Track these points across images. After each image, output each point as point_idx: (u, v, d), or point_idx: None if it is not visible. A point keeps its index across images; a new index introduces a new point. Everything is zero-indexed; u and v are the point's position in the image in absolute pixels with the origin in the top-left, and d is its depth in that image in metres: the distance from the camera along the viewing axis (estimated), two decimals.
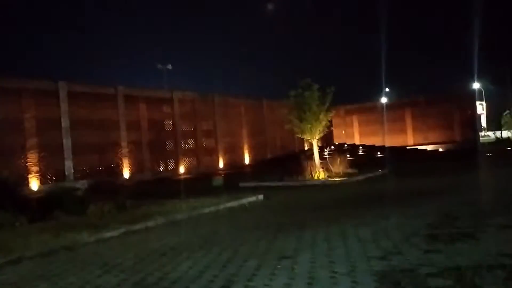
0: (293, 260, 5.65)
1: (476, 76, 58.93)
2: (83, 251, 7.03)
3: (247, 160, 36.26)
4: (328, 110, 18.12)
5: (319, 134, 18.25)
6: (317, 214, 9.21)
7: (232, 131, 35.22)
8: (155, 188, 20.96)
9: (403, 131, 44.55)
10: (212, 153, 33.28)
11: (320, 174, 17.38)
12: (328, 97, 18.03)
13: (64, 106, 23.27)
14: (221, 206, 10.83)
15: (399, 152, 36.15)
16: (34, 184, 20.59)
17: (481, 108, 53.75)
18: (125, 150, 26.16)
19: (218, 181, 18.86)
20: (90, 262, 6.27)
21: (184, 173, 29.88)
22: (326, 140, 45.00)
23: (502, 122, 47.73)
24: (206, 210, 10.30)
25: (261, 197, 12.30)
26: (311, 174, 17.40)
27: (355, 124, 47.50)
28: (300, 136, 18.40)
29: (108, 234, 7.79)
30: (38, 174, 21.06)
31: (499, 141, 44.38)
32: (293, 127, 18.27)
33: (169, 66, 42.33)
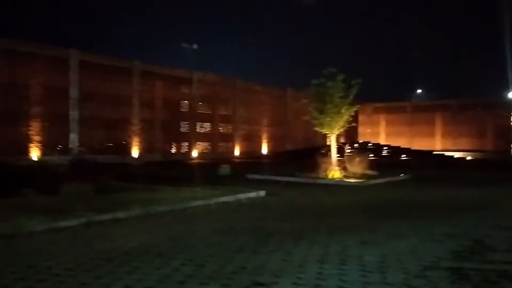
0: None
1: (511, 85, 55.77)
2: (16, 243, 5.81)
3: (265, 151, 34.89)
4: (351, 104, 16.46)
5: (339, 129, 16.64)
6: (319, 222, 7.76)
7: (252, 119, 33.84)
8: (159, 171, 19.85)
9: (431, 134, 42.29)
10: (229, 139, 32.02)
11: (335, 173, 15.83)
12: (353, 90, 16.38)
13: (74, 75, 22.37)
14: (214, 200, 9.49)
15: (425, 156, 34.08)
16: (34, 154, 19.76)
17: None
18: (136, 128, 25.16)
19: (225, 170, 17.57)
20: (7, 261, 5.01)
21: (197, 158, 28.74)
22: (350, 137, 43.17)
23: None
24: (195, 204, 8.98)
25: (262, 193, 10.90)
26: (326, 172, 15.87)
27: (382, 123, 45.44)
28: (318, 129, 16.83)
29: (64, 224, 6.56)
30: (40, 144, 20.23)
31: None
32: (311, 119, 16.71)
33: (195, 46, 40.97)
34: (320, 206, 9.79)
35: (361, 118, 45.53)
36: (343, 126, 16.63)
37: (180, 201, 9.02)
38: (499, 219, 8.40)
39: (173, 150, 28.53)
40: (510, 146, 41.41)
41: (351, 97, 16.36)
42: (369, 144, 39.28)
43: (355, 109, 16.58)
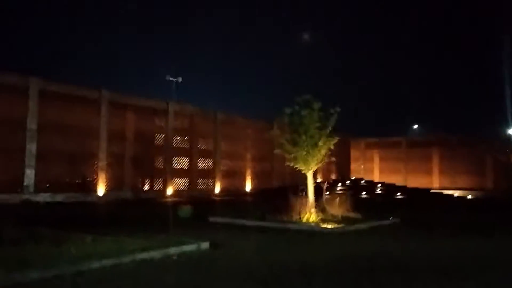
0: None
1: (510, 121, 54.35)
2: None
3: (248, 188, 32.58)
4: (330, 135, 14.37)
5: (316, 164, 14.45)
6: None
7: (235, 154, 31.72)
8: (114, 211, 17.55)
9: (428, 172, 40.07)
10: (209, 176, 29.77)
11: (311, 216, 13.53)
12: (331, 120, 14.32)
13: (32, 105, 20.37)
14: (130, 258, 7.19)
15: (422, 195, 31.70)
16: None
17: None
18: (102, 163, 22.97)
19: (185, 211, 15.27)
20: None
21: (173, 195, 26.40)
22: (342, 174, 40.93)
23: None
24: (97, 264, 6.68)
25: (205, 245, 8.59)
26: (300, 215, 13.57)
27: (376, 159, 43.36)
28: (291, 165, 14.65)
29: None
30: None
31: None
32: (284, 153, 14.56)
33: (179, 79, 39.49)
34: (271, 267, 7.46)
35: (353, 153, 43.55)
36: (320, 161, 14.44)
37: (80, 260, 6.73)
38: None
39: (146, 188, 26.22)
40: (510, 183, 39.39)
41: (330, 127, 14.29)
42: (362, 182, 37.03)
43: (334, 141, 14.44)
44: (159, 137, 26.65)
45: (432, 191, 35.09)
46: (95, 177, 22.75)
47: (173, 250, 7.90)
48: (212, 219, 14.02)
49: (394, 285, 6.27)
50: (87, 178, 22.91)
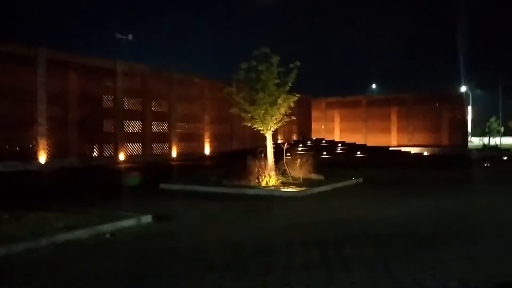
0: None
1: (463, 79, 55.52)
2: None
3: (207, 151, 31.32)
4: (290, 93, 13.22)
5: (275, 124, 13.34)
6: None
7: (192, 116, 30.15)
8: (57, 181, 15.93)
9: (387, 130, 40.13)
10: (164, 140, 28.19)
11: (270, 180, 12.54)
12: (291, 75, 13.13)
13: None
14: (48, 240, 5.88)
15: (381, 153, 31.66)
16: None
17: (469, 112, 50.02)
18: (42, 128, 20.94)
19: (135, 178, 13.93)
20: None
21: (125, 161, 24.79)
22: (303, 134, 40.33)
23: (488, 128, 44.13)
24: (3, 251, 5.34)
25: (147, 219, 7.37)
26: (259, 179, 12.55)
27: (337, 119, 42.97)
28: (250, 125, 13.47)
29: None
30: None
31: (487, 148, 40.57)
32: (240, 112, 13.32)
33: (130, 37, 36.82)
34: (224, 246, 6.37)
35: (315, 113, 42.94)
36: (280, 121, 13.33)
37: None
38: (488, 262, 5.28)
39: (95, 154, 24.43)
40: (464, 140, 40.33)
41: (290, 84, 13.11)
42: (323, 142, 36.60)
43: (294, 99, 13.30)
44: (108, 99, 24.65)
45: (390, 148, 35.19)
46: (35, 144, 20.76)
47: (106, 227, 6.64)
48: (163, 186, 12.77)
49: (366, 257, 5.35)
50: (28, 145, 20.90)
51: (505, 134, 50.95)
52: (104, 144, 24.48)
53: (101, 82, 24.37)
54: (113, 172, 19.62)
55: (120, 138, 24.81)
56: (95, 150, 24.33)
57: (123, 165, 22.76)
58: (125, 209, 8.12)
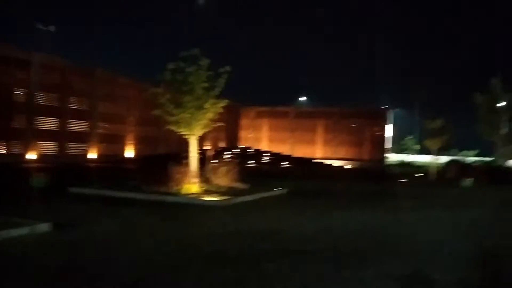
0: None
1: (388, 98, 58.85)
2: None
3: (130, 154, 29.88)
4: (218, 97, 12.77)
5: (201, 129, 12.81)
6: None
7: (115, 116, 28.62)
8: None
9: (313, 142, 41.10)
10: (83, 139, 26.43)
11: (192, 187, 11.96)
12: (221, 80, 12.70)
13: None
14: None
15: (305, 164, 32.35)
16: None
17: (389, 129, 53.05)
18: None
19: (42, 179, 12.64)
20: None
21: (37, 161, 22.80)
22: (230, 142, 40.05)
23: (405, 146, 47.33)
24: None
25: (43, 228, 6.50)
26: (179, 185, 11.92)
27: (265, 128, 43.21)
28: (174, 129, 12.81)
29: None
30: None
31: (403, 164, 43.12)
32: (165, 115, 12.63)
33: (52, 28, 34.29)
34: (128, 261, 5.73)
35: (244, 122, 42.87)
36: (206, 126, 12.82)
37: None
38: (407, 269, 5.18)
39: (3, 151, 22.22)
40: (383, 155, 42.43)
41: (219, 88, 12.68)
42: (250, 150, 36.57)
43: (222, 104, 12.88)
44: (19, 93, 22.60)
45: (314, 160, 36.08)
46: None
47: None
48: (74, 189, 11.69)
49: (280, 274, 5.01)
50: None
51: (422, 152, 54.54)
52: (12, 141, 22.36)
53: (13, 74, 22.28)
54: (19, 172, 17.86)
55: (32, 135, 22.83)
56: (1, 147, 22.13)
57: (33, 165, 20.89)
58: (21, 215, 7.14)
